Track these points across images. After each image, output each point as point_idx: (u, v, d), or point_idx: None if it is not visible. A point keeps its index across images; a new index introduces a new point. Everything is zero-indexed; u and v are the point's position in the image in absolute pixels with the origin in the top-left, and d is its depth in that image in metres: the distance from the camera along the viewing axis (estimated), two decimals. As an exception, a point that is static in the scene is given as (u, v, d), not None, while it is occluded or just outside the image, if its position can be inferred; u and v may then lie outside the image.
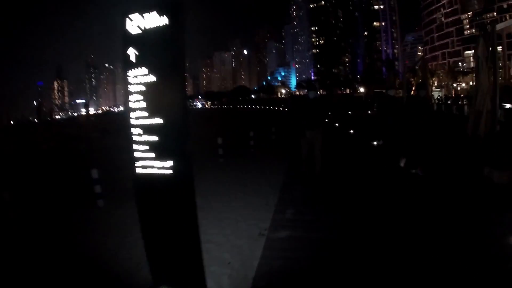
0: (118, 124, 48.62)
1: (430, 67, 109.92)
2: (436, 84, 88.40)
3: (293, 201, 7.57)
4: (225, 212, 7.19)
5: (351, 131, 21.37)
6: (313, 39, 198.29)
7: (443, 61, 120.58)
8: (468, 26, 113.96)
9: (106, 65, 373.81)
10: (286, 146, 16.09)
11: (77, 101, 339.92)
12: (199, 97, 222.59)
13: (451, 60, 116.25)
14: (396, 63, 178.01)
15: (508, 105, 13.16)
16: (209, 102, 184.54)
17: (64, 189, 10.36)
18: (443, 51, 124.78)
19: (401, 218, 6.08)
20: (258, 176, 10.31)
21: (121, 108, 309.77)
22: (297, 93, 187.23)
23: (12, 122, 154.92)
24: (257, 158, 13.65)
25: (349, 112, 47.10)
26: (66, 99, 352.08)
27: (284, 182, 9.38)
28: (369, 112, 44.43)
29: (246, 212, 7.17)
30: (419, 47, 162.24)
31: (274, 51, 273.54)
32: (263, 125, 26.58)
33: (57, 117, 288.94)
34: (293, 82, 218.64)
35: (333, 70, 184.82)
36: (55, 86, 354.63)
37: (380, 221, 6.05)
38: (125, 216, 7.21)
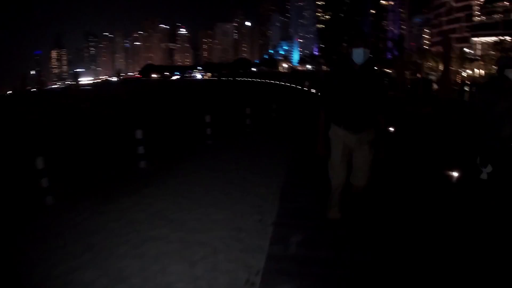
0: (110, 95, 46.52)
1: (434, 50, 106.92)
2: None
3: (300, 216, 5.29)
4: (194, 235, 4.89)
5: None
6: (318, 14, 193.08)
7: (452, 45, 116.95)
8: (478, 12, 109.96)
9: (105, 33, 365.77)
10: (288, 127, 14.17)
11: (76, 70, 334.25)
12: (199, 68, 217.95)
13: (458, 45, 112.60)
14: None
15: None
16: (208, 74, 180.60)
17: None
18: (451, 35, 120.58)
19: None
20: (252, 169, 8.08)
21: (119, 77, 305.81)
22: (299, 68, 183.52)
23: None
24: (252, 141, 11.48)
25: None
26: (65, 68, 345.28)
27: (288, 181, 7.09)
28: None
29: (228, 237, 4.80)
30: (426, 30, 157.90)
31: (278, 24, 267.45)
32: (262, 101, 24.62)
33: (54, 86, 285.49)
34: (295, 57, 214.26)
35: (338, 47, 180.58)
36: (54, 55, 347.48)
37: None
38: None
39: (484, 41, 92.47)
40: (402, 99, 31.68)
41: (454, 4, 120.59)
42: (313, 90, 42.34)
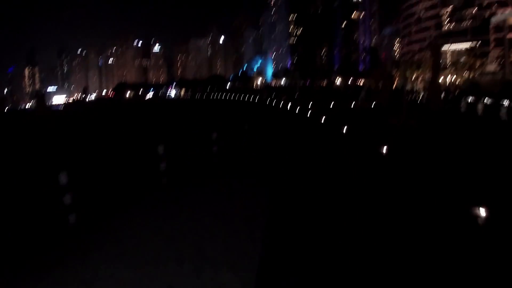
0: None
1: (400, 59, 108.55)
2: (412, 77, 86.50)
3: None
4: None
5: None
6: (291, 29, 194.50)
7: (420, 54, 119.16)
8: (447, 21, 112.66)
9: (79, 51, 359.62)
10: (264, 155, 12.54)
11: (49, 88, 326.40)
12: (174, 84, 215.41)
13: (428, 54, 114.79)
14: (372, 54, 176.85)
15: None
16: (183, 91, 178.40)
17: None
18: (421, 45, 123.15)
19: None
20: (217, 226, 6.49)
21: (92, 96, 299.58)
22: (273, 83, 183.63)
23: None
24: (219, 179, 9.75)
25: None
26: (37, 86, 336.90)
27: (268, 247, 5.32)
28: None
29: None
30: (396, 40, 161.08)
31: (251, 39, 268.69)
32: (234, 120, 23.27)
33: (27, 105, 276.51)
34: (269, 71, 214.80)
35: (311, 60, 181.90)
36: (26, 73, 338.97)
37: None
38: None
39: (454, 48, 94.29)
40: (385, 110, 30.82)
41: (423, 14, 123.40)
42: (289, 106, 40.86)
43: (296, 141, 16.11)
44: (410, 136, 17.36)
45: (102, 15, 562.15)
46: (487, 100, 28.69)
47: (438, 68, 29.66)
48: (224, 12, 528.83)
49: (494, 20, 62.06)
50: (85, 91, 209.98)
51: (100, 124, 35.66)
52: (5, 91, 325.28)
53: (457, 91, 50.44)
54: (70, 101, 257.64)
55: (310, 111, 31.97)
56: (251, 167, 10.64)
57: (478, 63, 76.29)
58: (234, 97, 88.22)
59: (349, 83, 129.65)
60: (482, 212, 5.07)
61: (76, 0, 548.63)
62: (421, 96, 52.66)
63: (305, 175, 9.27)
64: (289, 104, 42.71)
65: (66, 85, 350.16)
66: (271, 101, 53.82)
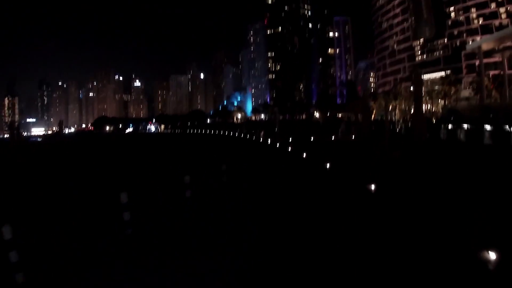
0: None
1: (377, 91, 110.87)
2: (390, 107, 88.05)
3: None
4: None
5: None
6: (269, 65, 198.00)
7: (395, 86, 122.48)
8: (419, 52, 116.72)
9: (60, 83, 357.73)
10: (245, 204, 10.97)
11: (28, 119, 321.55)
12: (153, 120, 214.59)
13: (403, 85, 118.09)
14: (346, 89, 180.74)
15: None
16: (162, 126, 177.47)
17: None
18: (395, 76, 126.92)
19: None
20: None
21: (72, 129, 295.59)
22: (253, 118, 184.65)
23: None
24: (195, 236, 8.36)
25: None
26: (17, 117, 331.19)
27: None
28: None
29: None
30: (371, 73, 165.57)
31: (230, 75, 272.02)
32: (212, 158, 22.51)
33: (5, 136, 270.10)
34: (249, 107, 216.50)
35: (290, 95, 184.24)
36: (6, 103, 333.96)
37: None
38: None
39: (427, 78, 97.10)
40: (366, 142, 30.42)
41: (396, 47, 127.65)
42: (269, 141, 40.04)
43: (279, 182, 15.16)
44: (397, 169, 16.60)
45: (83, 49, 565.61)
46: (467, 126, 28.46)
47: (420, 97, 29.45)
48: (204, 49, 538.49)
49: (469, 47, 64.00)
50: (60, 125, 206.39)
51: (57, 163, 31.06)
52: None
53: (434, 119, 50.94)
54: (49, 133, 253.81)
55: (290, 146, 31.03)
56: (230, 222, 9.37)
57: (452, 90, 78.21)
58: (214, 132, 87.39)
59: (327, 116, 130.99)
60: (492, 255, 4.49)
61: (57, 33, 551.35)
62: (399, 126, 53.12)
63: (289, 230, 8.41)
64: (269, 139, 41.79)
65: (45, 117, 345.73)
66: (251, 136, 53.17)
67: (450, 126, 31.96)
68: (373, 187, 10.64)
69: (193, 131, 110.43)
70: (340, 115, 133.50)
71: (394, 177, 14.31)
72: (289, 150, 29.53)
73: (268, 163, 23.02)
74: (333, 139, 41.83)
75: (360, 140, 35.47)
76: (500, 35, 41.47)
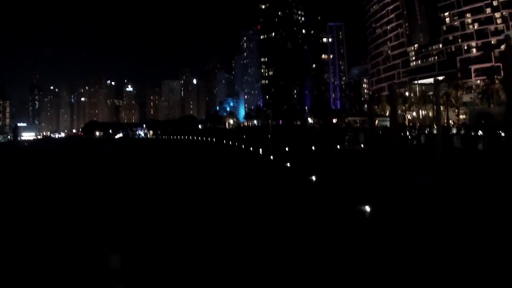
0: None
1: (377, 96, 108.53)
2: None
3: None
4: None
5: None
6: (262, 70, 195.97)
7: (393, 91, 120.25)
8: (414, 58, 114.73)
9: (52, 87, 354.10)
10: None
11: (18, 124, 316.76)
12: (144, 126, 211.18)
13: (397, 90, 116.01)
14: (343, 94, 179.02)
15: None
16: (151, 132, 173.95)
17: None
18: (389, 82, 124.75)
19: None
20: None
21: (62, 134, 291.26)
22: (245, 123, 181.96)
23: None
24: None
25: None
26: (7, 121, 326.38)
27: None
28: None
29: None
30: (365, 80, 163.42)
31: (223, 81, 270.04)
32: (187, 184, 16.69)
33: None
34: (241, 112, 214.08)
35: (283, 100, 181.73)
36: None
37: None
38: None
39: (422, 82, 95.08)
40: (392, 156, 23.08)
41: (390, 52, 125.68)
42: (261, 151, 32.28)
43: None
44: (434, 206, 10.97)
45: (76, 53, 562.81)
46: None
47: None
48: (197, 55, 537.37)
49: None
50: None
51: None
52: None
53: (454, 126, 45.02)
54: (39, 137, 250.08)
55: (288, 160, 22.59)
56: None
57: (459, 93, 75.53)
58: (202, 138, 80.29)
59: (321, 121, 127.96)
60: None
61: (50, 37, 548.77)
62: (414, 133, 44.99)
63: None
64: (261, 149, 33.03)
65: (36, 121, 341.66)
66: (242, 144, 45.11)
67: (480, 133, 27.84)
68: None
69: (178, 137, 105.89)
70: (334, 120, 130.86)
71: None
72: (289, 165, 21.25)
73: (265, 191, 14.51)
74: (338, 148, 35.93)
75: (373, 150, 29.04)
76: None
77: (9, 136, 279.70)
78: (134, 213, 11.14)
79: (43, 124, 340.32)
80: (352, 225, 8.72)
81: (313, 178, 15.22)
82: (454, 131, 42.71)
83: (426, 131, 43.63)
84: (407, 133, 44.79)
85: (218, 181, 17.62)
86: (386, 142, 29.10)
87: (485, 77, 76.93)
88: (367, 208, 9.15)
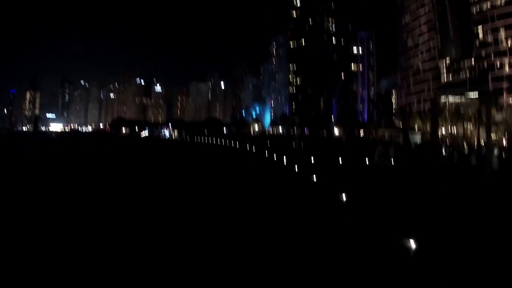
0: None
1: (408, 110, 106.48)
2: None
3: None
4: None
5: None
6: (290, 77, 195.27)
7: (419, 106, 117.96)
8: (445, 72, 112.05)
9: (82, 82, 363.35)
10: None
11: (47, 115, 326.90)
12: (169, 125, 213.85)
13: (427, 105, 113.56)
14: (371, 105, 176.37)
15: None
16: (176, 132, 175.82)
17: None
18: (419, 96, 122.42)
19: None
20: None
21: (89, 128, 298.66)
22: (271, 131, 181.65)
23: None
24: None
25: None
26: (37, 111, 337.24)
27: None
28: None
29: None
30: (393, 92, 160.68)
31: (251, 86, 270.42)
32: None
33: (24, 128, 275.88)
34: (267, 119, 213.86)
35: (310, 108, 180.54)
36: (27, 97, 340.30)
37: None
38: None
39: (452, 100, 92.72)
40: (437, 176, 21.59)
41: (421, 65, 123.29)
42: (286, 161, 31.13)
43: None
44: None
45: (107, 50, 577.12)
46: None
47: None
48: (226, 58, 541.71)
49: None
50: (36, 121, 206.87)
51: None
52: (5, 110, 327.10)
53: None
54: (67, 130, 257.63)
55: (314, 172, 21.23)
56: None
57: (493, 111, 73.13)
58: (227, 143, 77.64)
59: (348, 133, 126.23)
60: None
61: (83, 33, 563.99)
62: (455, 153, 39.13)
63: None
64: (287, 159, 31.88)
65: (65, 114, 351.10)
66: (266, 151, 42.68)
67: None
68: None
69: (203, 139, 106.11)
70: (361, 132, 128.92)
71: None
72: (314, 179, 19.88)
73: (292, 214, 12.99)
74: (367, 163, 33.49)
75: (406, 168, 27.40)
76: None
77: (40, 126, 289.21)
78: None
79: (71, 117, 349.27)
80: (394, 265, 7.24)
81: (343, 198, 13.28)
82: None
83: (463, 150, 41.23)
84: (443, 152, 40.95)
85: (234, 199, 15.32)
86: (420, 160, 27.45)
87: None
88: (412, 244, 7.48)
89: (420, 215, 11.45)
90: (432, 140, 23.53)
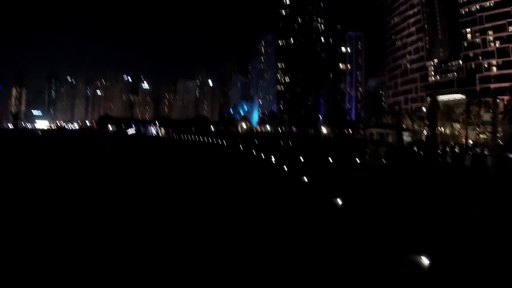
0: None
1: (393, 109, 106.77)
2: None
3: None
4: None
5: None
6: (279, 76, 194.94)
7: (406, 106, 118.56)
8: (433, 73, 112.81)
9: (68, 78, 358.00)
10: None
11: (33, 111, 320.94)
12: (156, 122, 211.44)
13: (414, 105, 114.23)
14: (358, 105, 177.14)
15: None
16: (162, 130, 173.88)
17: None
18: (406, 96, 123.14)
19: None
20: None
21: (75, 125, 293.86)
22: (259, 129, 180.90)
23: None
24: None
25: None
26: (23, 108, 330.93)
27: None
28: None
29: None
30: (381, 92, 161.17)
31: (239, 84, 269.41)
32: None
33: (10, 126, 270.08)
34: (255, 117, 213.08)
35: (298, 107, 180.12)
36: (13, 93, 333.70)
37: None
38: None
39: (440, 100, 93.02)
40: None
41: (409, 66, 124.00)
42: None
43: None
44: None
45: (94, 47, 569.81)
46: None
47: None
48: (214, 56, 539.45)
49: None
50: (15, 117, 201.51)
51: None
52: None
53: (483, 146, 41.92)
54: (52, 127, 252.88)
55: (305, 172, 20.04)
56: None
57: (481, 111, 73.26)
58: (213, 140, 77.91)
59: (336, 131, 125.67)
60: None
61: (70, 28, 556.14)
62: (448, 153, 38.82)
63: None
64: (275, 157, 30.40)
65: (51, 111, 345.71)
66: (253, 150, 42.10)
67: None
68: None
69: (190, 137, 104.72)
70: (349, 131, 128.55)
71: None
72: (305, 180, 18.61)
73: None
74: (358, 161, 33.02)
75: (398, 167, 27.11)
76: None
77: (22, 123, 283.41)
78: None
79: (57, 114, 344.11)
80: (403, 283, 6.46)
81: (339, 201, 12.19)
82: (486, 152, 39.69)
83: (456, 149, 41.13)
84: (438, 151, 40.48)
85: (222, 202, 13.78)
86: (412, 159, 27.20)
87: (508, 96, 74.57)
88: (424, 260, 6.61)
89: (425, 221, 10.70)
90: (430, 139, 23.19)
